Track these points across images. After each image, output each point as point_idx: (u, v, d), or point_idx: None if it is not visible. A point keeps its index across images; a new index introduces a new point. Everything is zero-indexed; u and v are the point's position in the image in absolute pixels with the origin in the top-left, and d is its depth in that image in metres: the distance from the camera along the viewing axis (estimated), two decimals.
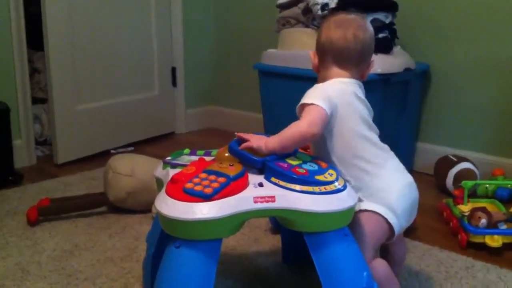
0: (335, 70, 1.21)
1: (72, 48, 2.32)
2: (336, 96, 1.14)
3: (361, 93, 1.20)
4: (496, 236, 1.50)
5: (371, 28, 1.23)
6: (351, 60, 1.20)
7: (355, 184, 1.13)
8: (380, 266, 1.10)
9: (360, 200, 1.12)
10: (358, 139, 1.15)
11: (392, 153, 1.20)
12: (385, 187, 1.13)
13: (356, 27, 1.20)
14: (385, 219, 1.12)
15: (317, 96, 1.13)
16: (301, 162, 1.06)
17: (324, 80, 1.21)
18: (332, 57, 1.21)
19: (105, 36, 2.48)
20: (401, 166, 1.19)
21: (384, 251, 1.26)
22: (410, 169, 2.24)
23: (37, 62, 2.75)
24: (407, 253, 1.48)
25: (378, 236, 1.13)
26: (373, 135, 1.18)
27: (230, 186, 0.97)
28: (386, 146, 1.20)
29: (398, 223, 1.13)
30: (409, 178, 1.18)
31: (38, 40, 2.34)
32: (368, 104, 1.21)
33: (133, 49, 2.64)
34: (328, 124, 1.12)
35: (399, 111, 2.05)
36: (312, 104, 1.11)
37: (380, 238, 1.14)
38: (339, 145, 1.14)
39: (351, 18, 1.22)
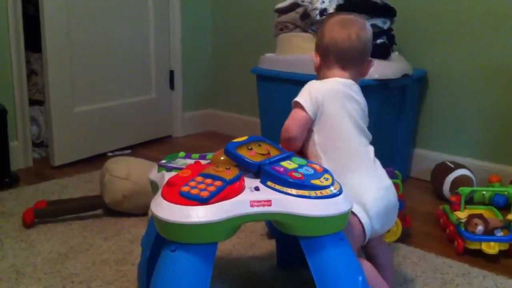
0: (336, 70, 1.24)
1: (70, 50, 2.32)
2: (324, 93, 1.18)
3: (356, 94, 1.22)
4: (492, 243, 1.50)
5: (370, 27, 1.28)
6: (354, 59, 1.24)
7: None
8: (363, 266, 1.09)
9: None
10: (343, 134, 1.18)
11: (374, 157, 1.21)
12: (361, 187, 1.14)
13: (359, 27, 1.24)
14: (358, 218, 1.12)
15: (305, 96, 1.19)
16: (297, 166, 1.06)
17: (323, 79, 1.25)
18: (335, 57, 1.24)
19: (103, 38, 2.48)
20: (381, 171, 1.20)
21: (367, 257, 1.26)
22: (407, 175, 2.24)
23: (35, 63, 2.74)
24: (404, 259, 1.49)
25: (355, 233, 1.12)
26: (360, 136, 1.20)
27: (227, 189, 0.96)
28: (370, 149, 1.21)
29: (370, 224, 1.13)
30: (386, 182, 1.19)
31: (36, 42, 2.33)
32: (365, 107, 1.24)
33: (131, 52, 2.64)
34: (310, 124, 1.18)
35: (396, 116, 2.05)
36: (298, 104, 1.18)
37: (357, 236, 1.13)
38: (323, 136, 1.18)
39: (352, 19, 1.27)
